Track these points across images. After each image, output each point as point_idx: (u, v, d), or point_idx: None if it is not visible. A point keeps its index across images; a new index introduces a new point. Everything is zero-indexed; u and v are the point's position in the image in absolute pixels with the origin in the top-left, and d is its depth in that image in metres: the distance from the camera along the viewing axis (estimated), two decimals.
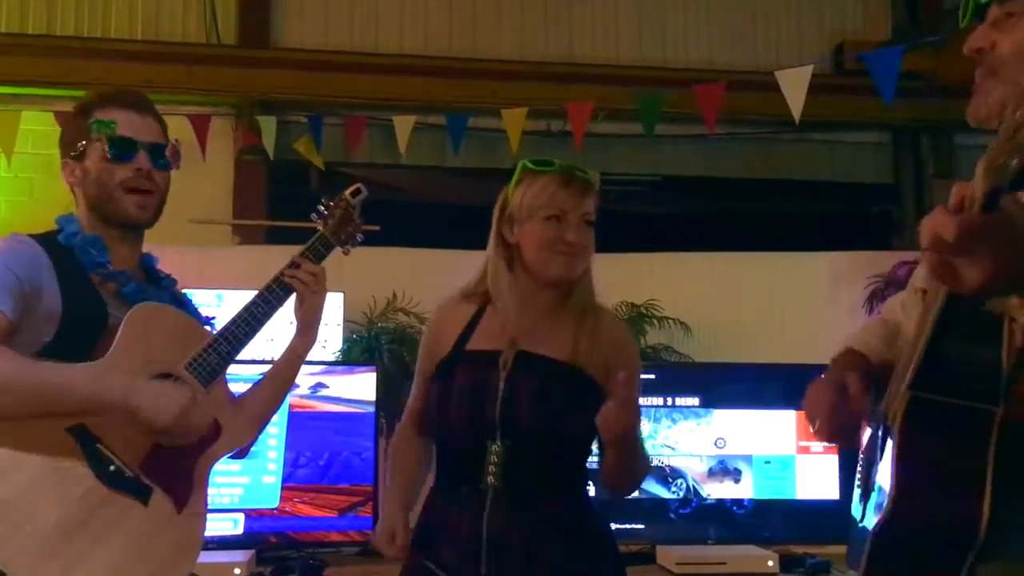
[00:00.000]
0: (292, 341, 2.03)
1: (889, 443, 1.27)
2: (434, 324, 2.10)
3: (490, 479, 1.87)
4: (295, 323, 2.02)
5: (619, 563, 2.03)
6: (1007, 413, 1.17)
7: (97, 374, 1.69)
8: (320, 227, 2.01)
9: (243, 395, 1.99)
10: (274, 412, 2.07)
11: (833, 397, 1.49)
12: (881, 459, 1.34)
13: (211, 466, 1.85)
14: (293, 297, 1.98)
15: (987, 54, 1.36)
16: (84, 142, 1.87)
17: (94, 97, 1.92)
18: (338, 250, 2.05)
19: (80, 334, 1.73)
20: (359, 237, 2.07)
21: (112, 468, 1.67)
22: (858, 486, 1.51)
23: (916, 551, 1.18)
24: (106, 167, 1.85)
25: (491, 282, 2.01)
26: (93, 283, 1.80)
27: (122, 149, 1.85)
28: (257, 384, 2.04)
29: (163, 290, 1.95)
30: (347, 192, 2.06)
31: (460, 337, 2.00)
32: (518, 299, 1.99)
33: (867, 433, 1.54)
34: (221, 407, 1.86)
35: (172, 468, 1.75)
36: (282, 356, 2.05)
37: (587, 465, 2.03)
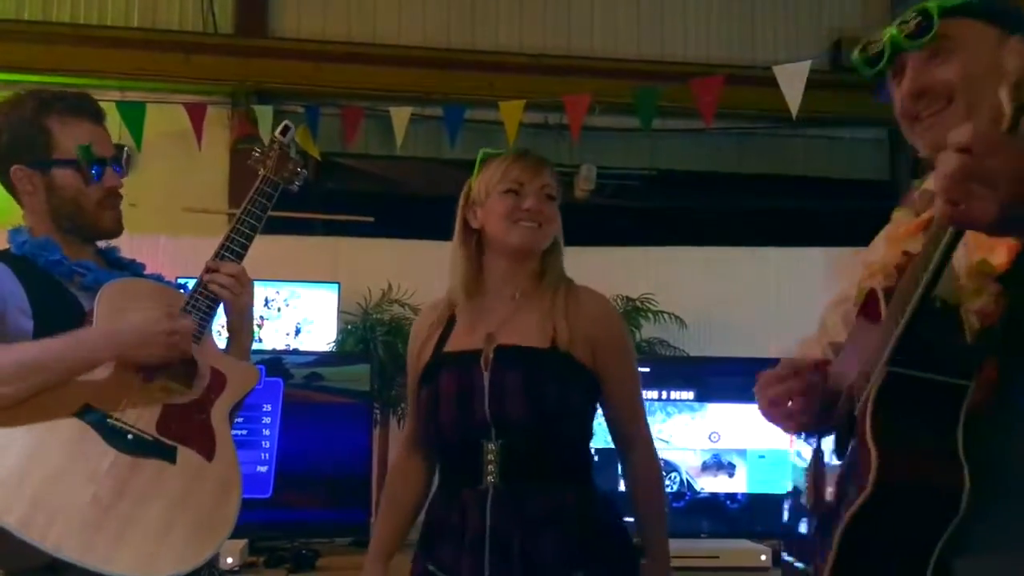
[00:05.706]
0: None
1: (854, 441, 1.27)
2: (414, 335, 2.08)
3: (489, 479, 1.85)
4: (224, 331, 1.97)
5: (629, 552, 1.99)
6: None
7: (73, 334, 1.70)
8: (261, 170, 2.00)
9: None
10: None
11: (787, 378, 1.49)
12: (844, 458, 1.34)
13: (227, 414, 1.83)
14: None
15: (931, 87, 1.38)
16: (49, 153, 1.83)
17: (52, 101, 1.85)
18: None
19: (59, 328, 1.72)
20: (301, 171, 2.05)
21: (130, 437, 1.67)
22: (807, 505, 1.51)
23: (894, 532, 1.18)
24: (82, 189, 1.84)
25: (452, 271, 2.01)
26: (57, 280, 1.80)
27: (98, 170, 1.85)
28: None
29: (126, 271, 1.95)
30: (276, 132, 2.06)
31: (439, 341, 1.99)
32: (489, 289, 1.98)
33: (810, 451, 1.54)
34: (217, 358, 1.86)
35: (189, 424, 1.75)
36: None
37: (590, 452, 2.00)
